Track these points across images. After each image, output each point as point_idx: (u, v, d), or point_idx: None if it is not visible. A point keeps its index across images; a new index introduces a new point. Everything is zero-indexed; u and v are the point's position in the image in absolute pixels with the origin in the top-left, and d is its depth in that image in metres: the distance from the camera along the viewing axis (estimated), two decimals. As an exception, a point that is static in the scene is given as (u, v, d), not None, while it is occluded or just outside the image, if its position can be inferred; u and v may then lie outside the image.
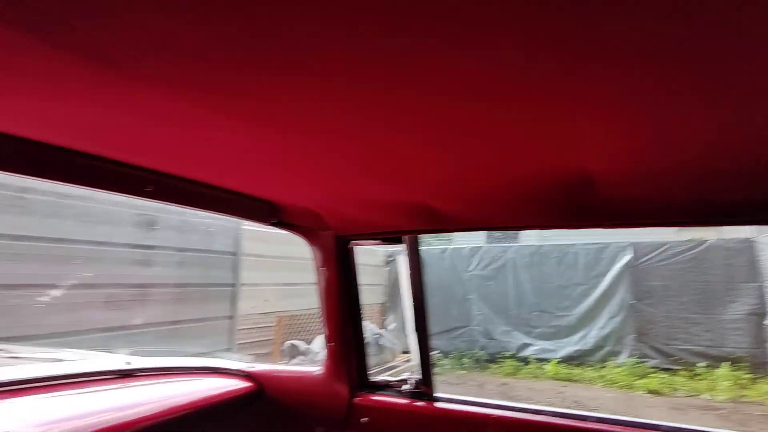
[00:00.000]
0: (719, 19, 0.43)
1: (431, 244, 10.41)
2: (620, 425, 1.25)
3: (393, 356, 6.40)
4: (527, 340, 7.86)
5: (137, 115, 0.72)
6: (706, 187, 0.94)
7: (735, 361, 6.55)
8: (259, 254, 5.96)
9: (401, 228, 1.36)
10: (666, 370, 6.90)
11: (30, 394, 1.23)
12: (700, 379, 6.50)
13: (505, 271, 8.24)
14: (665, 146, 0.75)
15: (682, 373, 6.77)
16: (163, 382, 1.51)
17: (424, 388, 1.50)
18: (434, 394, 1.48)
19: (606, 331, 7.40)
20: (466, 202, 1.17)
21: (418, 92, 0.60)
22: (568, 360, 7.44)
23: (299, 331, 7.04)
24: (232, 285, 5.52)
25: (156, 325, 4.63)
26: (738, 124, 0.66)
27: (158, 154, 0.95)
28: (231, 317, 5.52)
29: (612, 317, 7.40)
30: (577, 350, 7.50)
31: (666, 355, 7.06)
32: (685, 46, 0.48)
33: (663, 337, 7.12)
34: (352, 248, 1.52)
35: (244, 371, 1.66)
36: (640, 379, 6.59)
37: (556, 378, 7.00)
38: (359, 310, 1.57)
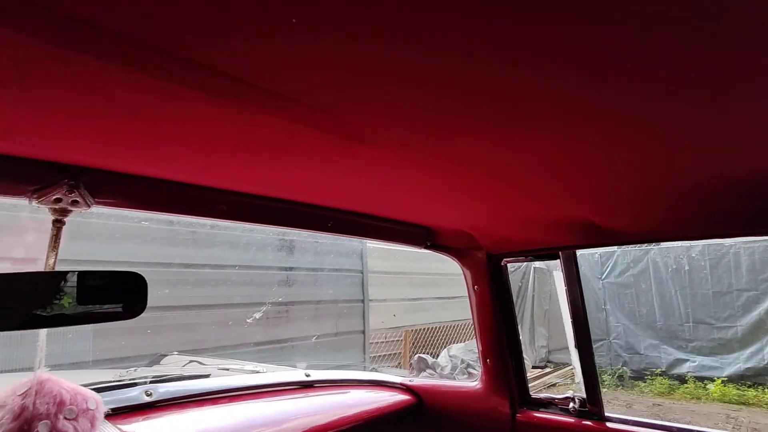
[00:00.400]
0: None
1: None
2: None
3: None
4: (681, 356, 6.91)
5: (346, 172, 0.86)
6: None
7: None
8: (383, 271, 6.22)
9: (558, 244, 1.35)
10: None
11: (238, 401, 1.47)
12: None
13: (645, 278, 7.39)
14: None
15: None
16: (337, 393, 1.69)
17: (591, 407, 1.45)
18: (605, 414, 1.42)
19: (787, 345, 6.21)
20: (632, 214, 1.14)
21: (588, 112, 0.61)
22: (738, 379, 6.36)
23: (425, 345, 7.15)
24: (362, 301, 5.83)
25: (301, 339, 5.09)
26: None
27: (342, 195, 1.11)
28: (362, 332, 5.83)
29: (794, 329, 6.19)
30: (748, 368, 6.39)
31: None
32: None
33: None
34: (505, 265, 1.55)
35: (404, 384, 1.77)
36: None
37: (723, 400, 6.03)
38: (515, 326, 1.58)
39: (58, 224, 0.82)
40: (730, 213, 1.05)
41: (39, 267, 0.82)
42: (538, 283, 8.05)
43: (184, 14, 0.40)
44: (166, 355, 2.37)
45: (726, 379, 6.39)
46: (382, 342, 6.47)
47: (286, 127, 0.65)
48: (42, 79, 0.49)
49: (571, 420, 1.45)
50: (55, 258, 0.83)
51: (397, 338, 6.72)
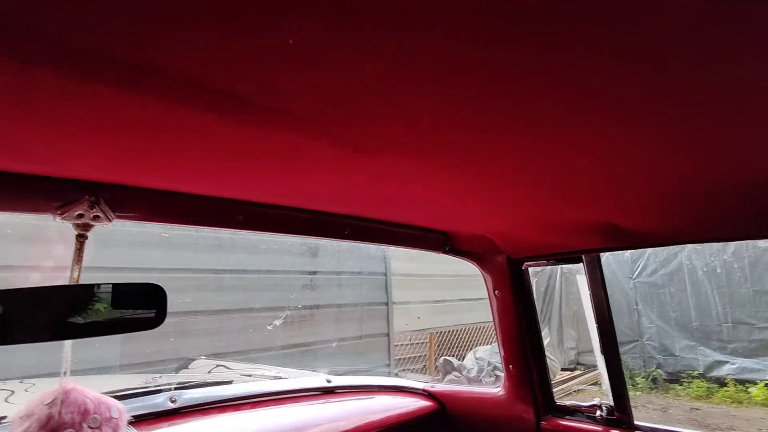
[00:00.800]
0: None
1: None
2: None
3: (553, 374, 6.01)
4: (720, 357, 6.62)
5: (361, 180, 0.85)
6: None
7: None
8: (407, 273, 6.20)
9: (580, 247, 1.32)
10: None
11: (260, 408, 1.48)
12: None
13: (679, 277, 7.12)
14: None
15: None
16: (358, 399, 1.69)
17: (619, 414, 1.40)
18: (634, 422, 1.37)
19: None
20: (658, 216, 1.09)
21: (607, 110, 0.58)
22: (784, 383, 6.05)
23: (450, 347, 7.09)
24: (385, 303, 5.82)
25: (325, 342, 5.12)
26: None
27: (358, 203, 1.11)
28: (387, 334, 5.82)
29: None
30: (795, 371, 6.08)
31: None
32: None
33: None
34: (526, 269, 1.51)
35: (427, 390, 1.75)
36: None
37: (767, 404, 5.75)
38: (538, 331, 1.55)
39: (81, 239, 0.85)
40: (761, 215, 1.00)
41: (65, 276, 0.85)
42: (566, 284, 7.86)
43: (190, 41, 0.41)
44: (193, 360, 2.43)
45: (770, 382, 6.09)
46: (407, 344, 6.45)
47: (301, 141, 0.66)
48: (58, 100, 0.51)
49: (598, 428, 1.40)
50: (79, 271, 0.86)
51: (422, 341, 6.68)
